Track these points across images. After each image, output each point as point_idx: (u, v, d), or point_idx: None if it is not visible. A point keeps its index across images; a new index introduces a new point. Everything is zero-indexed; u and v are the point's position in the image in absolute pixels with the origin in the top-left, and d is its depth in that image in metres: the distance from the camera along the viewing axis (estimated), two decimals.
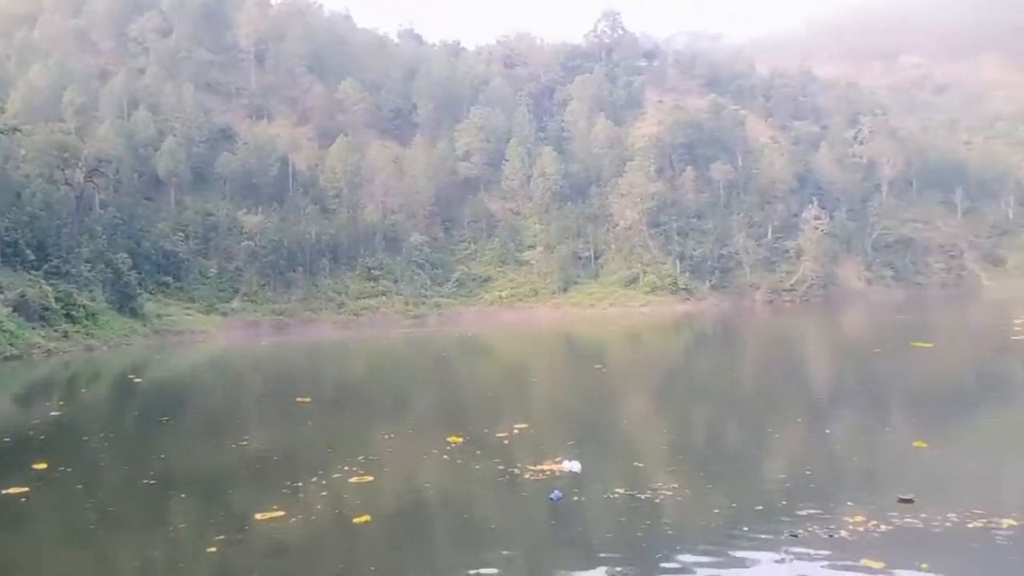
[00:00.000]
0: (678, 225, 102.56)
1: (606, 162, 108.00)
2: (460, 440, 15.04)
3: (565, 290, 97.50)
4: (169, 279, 75.07)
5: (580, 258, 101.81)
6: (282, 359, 46.27)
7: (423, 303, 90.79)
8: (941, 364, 28.43)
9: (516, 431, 16.00)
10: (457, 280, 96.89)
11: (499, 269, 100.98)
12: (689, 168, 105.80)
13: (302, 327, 74.23)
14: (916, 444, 13.39)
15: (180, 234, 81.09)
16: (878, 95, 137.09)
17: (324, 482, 12.29)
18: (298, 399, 22.28)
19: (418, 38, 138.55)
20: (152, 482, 13.16)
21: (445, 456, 13.94)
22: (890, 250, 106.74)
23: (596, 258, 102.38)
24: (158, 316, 64.83)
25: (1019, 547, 8.00)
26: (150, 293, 68.46)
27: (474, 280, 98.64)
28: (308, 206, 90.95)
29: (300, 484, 12.28)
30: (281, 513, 10.56)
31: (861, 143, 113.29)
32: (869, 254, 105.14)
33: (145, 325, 60.70)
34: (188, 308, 72.53)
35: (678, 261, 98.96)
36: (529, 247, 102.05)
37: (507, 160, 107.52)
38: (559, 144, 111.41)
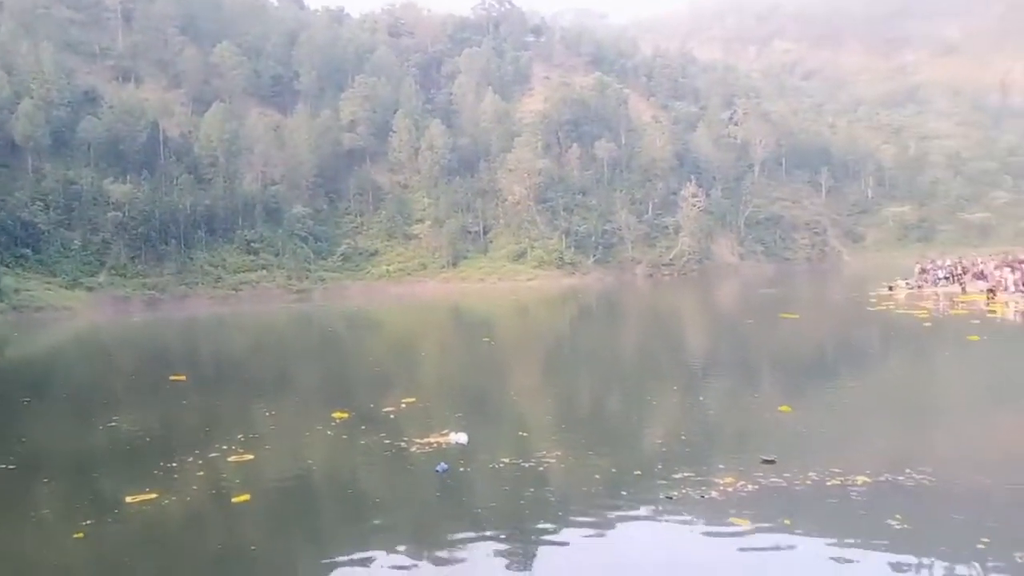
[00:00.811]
0: (564, 201, 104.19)
1: (494, 137, 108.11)
2: (346, 416, 14.82)
3: (454, 264, 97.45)
4: (28, 252, 69.69)
5: (469, 232, 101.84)
6: (155, 336, 44.07)
7: (307, 277, 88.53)
8: (806, 334, 30.34)
9: (403, 405, 15.93)
10: (343, 254, 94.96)
11: (386, 243, 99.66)
12: (575, 145, 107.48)
13: (176, 303, 70.85)
14: (781, 409, 14.26)
15: (39, 203, 75.11)
16: (752, 78, 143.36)
17: (200, 462, 11.84)
18: (172, 377, 21.30)
19: (299, 2, 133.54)
20: (12, 467, 12.29)
21: (330, 432, 13.71)
22: (761, 227, 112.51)
23: (485, 233, 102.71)
24: (16, 291, 60.31)
25: (871, 502, 8.67)
26: (7, 267, 63.52)
27: (360, 254, 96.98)
28: (181, 175, 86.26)
29: (175, 465, 11.78)
30: (154, 495, 10.11)
31: (736, 124, 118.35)
32: (742, 230, 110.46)
33: (2, 301, 56.33)
34: (49, 283, 67.71)
35: (564, 236, 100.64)
36: (417, 221, 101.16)
37: (394, 132, 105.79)
38: (447, 117, 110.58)
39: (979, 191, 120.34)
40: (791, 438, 12.18)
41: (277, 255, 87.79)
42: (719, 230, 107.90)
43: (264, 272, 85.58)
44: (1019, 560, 6.90)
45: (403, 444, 12.45)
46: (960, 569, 6.95)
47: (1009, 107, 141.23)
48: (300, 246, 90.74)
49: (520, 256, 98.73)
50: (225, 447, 12.57)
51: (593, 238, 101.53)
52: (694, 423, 14.10)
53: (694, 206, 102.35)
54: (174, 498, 10.15)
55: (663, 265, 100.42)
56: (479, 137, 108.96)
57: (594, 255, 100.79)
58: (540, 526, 8.58)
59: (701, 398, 16.77)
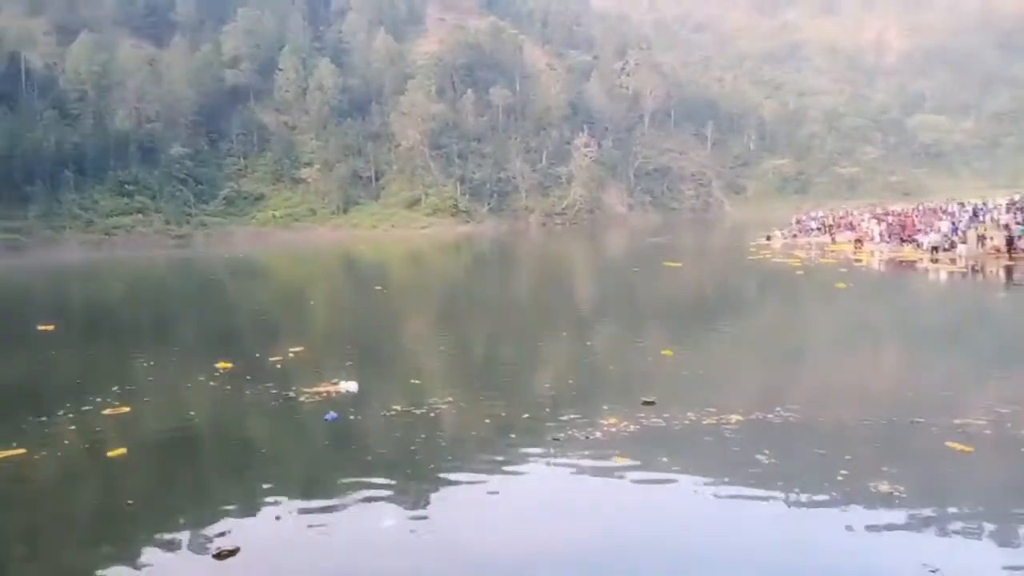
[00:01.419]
0: (459, 148, 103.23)
1: (387, 79, 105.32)
2: (230, 366, 14.38)
3: (345, 211, 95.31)
4: None
5: (361, 178, 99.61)
6: (19, 283, 41.16)
7: (187, 222, 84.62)
8: (688, 282, 31.57)
9: (291, 355, 15.60)
10: (225, 198, 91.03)
11: (273, 187, 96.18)
12: (470, 91, 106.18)
13: (43, 248, 66.30)
14: (664, 353, 14.85)
15: None
16: (644, 29, 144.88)
17: (72, 416, 11.24)
18: (40, 326, 20.01)
19: None
20: None
21: (213, 383, 13.28)
22: (650, 177, 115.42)
23: (377, 178, 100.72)
24: None
25: (743, 439, 9.20)
26: None
27: (245, 198, 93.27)
28: (46, 110, 79.92)
29: (45, 419, 11.13)
30: (22, 451, 9.55)
31: (628, 75, 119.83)
32: (632, 181, 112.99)
33: None
34: None
35: (459, 184, 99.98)
36: (306, 164, 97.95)
37: (280, 70, 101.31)
38: (337, 56, 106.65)
39: (851, 146, 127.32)
40: (672, 380, 12.73)
41: (154, 198, 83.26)
42: (610, 180, 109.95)
43: (140, 216, 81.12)
44: (872, 489, 7.51)
45: (291, 394, 12.22)
46: (821, 498, 7.51)
47: (881, 67, 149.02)
48: (179, 189, 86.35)
49: (414, 203, 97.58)
50: (99, 400, 11.97)
51: (488, 186, 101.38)
52: (582, 367, 14.50)
53: (586, 156, 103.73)
54: (44, 454, 9.62)
55: (556, 214, 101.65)
56: (371, 78, 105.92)
57: (488, 203, 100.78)
58: (432, 471, 8.66)
59: (589, 343, 17.25)
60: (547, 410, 11.01)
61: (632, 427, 9.76)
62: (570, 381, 13.19)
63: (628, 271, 37.22)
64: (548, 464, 8.76)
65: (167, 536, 7.30)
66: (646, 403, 10.75)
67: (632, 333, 18.58)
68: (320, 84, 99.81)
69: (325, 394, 12.05)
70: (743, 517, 7.30)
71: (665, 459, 8.66)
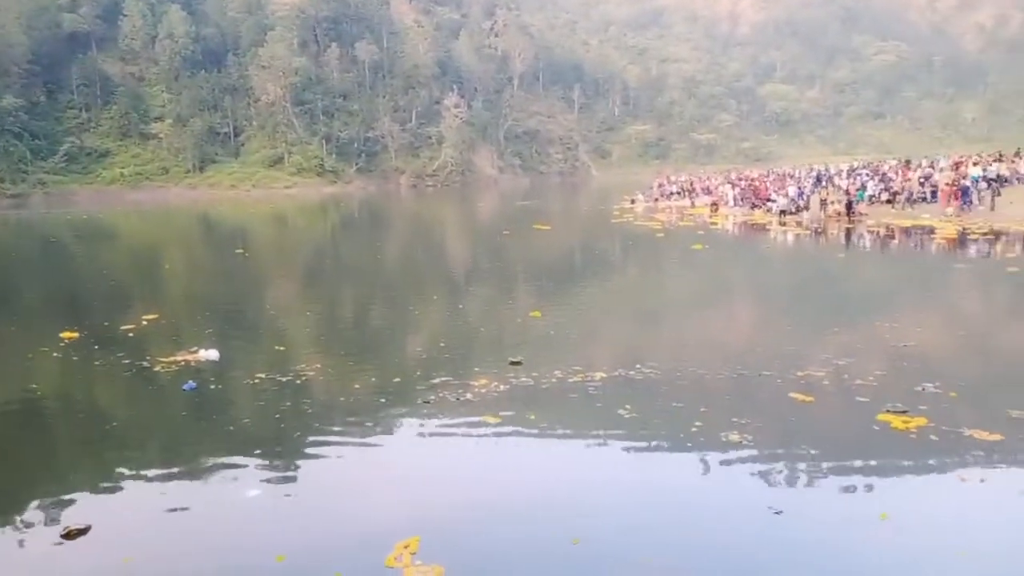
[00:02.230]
0: (324, 104, 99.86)
1: (244, 29, 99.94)
2: (75, 335, 13.42)
3: (201, 169, 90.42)
4: None
5: (218, 134, 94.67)
6: None
7: (23, 180, 77.65)
8: (556, 244, 32.23)
9: (145, 323, 14.75)
10: (66, 154, 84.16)
11: (119, 143, 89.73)
12: (334, 45, 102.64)
13: None
14: (533, 314, 15.14)
15: None
16: None
17: None
18: None
19: None
20: None
21: (57, 354, 12.36)
22: (519, 140, 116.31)
23: (236, 135, 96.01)
24: None
25: (606, 395, 9.57)
26: None
27: (88, 155, 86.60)
28: None
29: None
30: None
31: (497, 35, 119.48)
32: (501, 143, 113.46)
33: None
34: None
35: (324, 142, 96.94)
36: (156, 119, 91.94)
37: (125, 16, 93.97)
38: (188, 3, 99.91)
39: (708, 113, 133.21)
40: (541, 340, 13.01)
41: None
42: (480, 142, 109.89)
43: None
44: (724, 438, 8.02)
45: (145, 364, 11.57)
46: (677, 447, 7.94)
47: (736, 36, 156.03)
48: (13, 144, 78.99)
49: (276, 162, 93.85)
50: None
51: (356, 145, 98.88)
52: (452, 330, 14.55)
53: (456, 117, 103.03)
54: None
55: (427, 175, 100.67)
56: (226, 28, 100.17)
57: (357, 163, 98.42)
58: (298, 439, 8.47)
59: (460, 306, 17.32)
60: (418, 373, 10.99)
61: (502, 387, 9.92)
62: (441, 344, 13.21)
63: (499, 233, 37.52)
64: (419, 427, 8.78)
65: (8, 515, 6.79)
66: (513, 363, 10.95)
67: (502, 295, 18.81)
68: (170, 32, 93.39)
69: (183, 363, 11.49)
70: (606, 467, 7.62)
71: (533, 416, 8.88)
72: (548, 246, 31.25)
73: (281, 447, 8.27)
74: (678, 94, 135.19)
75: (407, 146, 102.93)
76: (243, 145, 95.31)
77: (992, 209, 30.86)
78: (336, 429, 8.78)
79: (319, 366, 11.41)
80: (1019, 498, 6.75)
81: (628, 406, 9.05)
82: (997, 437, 7.80)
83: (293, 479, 7.47)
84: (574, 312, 16.10)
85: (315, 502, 6.97)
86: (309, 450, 8.18)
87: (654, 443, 8.09)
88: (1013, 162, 38.01)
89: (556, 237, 34.68)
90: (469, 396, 9.61)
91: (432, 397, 9.66)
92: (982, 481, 7.02)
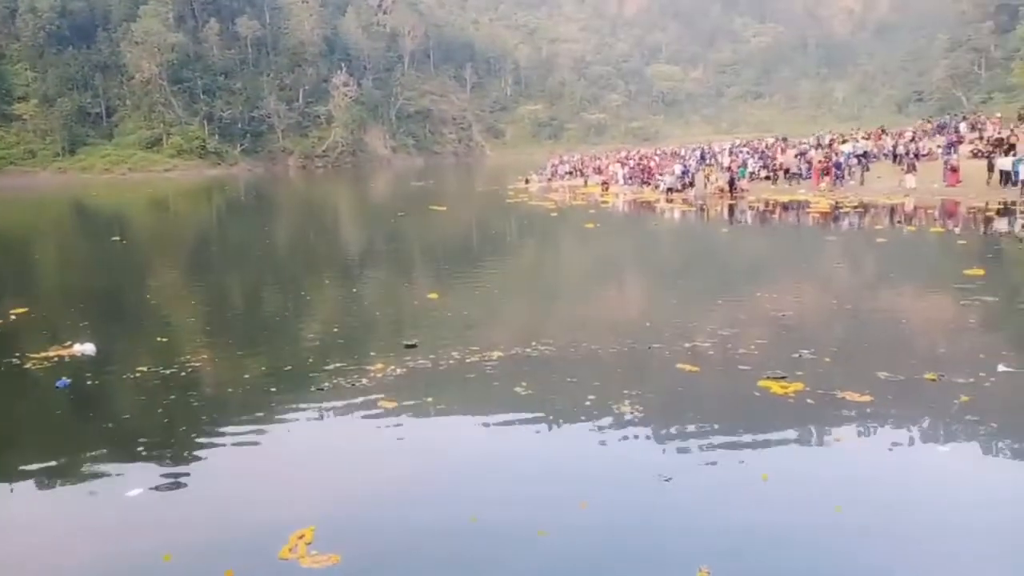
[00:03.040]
0: (204, 83, 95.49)
1: (115, 3, 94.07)
2: None
3: (72, 152, 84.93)
4: None
5: (88, 115, 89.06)
6: None
7: None
8: (452, 225, 32.14)
9: (13, 316, 13.78)
10: None
11: None
12: (213, 20, 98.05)
13: None
14: (430, 296, 15.06)
15: None
16: None
17: None
18: None
19: None
20: None
21: None
22: (412, 120, 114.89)
23: (109, 115, 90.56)
24: None
25: (503, 374, 9.64)
26: None
27: None
28: None
29: None
30: None
31: (385, 12, 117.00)
32: (394, 123, 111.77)
33: None
34: None
35: (206, 123, 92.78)
36: (20, 99, 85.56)
37: None
38: None
39: (598, 93, 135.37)
40: (438, 322, 12.95)
41: None
42: (371, 122, 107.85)
43: None
44: (616, 410, 8.24)
45: (14, 360, 10.81)
46: (572, 421, 8.09)
47: (623, 17, 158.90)
48: None
49: (154, 143, 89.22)
50: None
51: (240, 125, 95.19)
52: (347, 315, 14.28)
53: (346, 95, 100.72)
54: None
55: (316, 156, 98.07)
56: (96, 2, 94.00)
57: (241, 144, 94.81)
58: (184, 433, 8.13)
59: (355, 290, 17.02)
60: (311, 360, 10.74)
61: (399, 370, 9.83)
62: (335, 329, 12.95)
63: (393, 215, 37.05)
64: (313, 415, 8.59)
65: None
66: (408, 346, 10.87)
67: (398, 277, 18.62)
68: (32, 7, 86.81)
69: (56, 359, 10.80)
70: (503, 446, 7.70)
71: (431, 398, 8.85)
72: (444, 227, 31.12)
73: (165, 443, 7.91)
74: (568, 74, 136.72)
75: (295, 126, 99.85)
76: (117, 126, 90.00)
77: (862, 183, 32.86)
78: (225, 421, 8.48)
79: (205, 357, 10.98)
80: (888, 454, 7.25)
81: (524, 383, 9.15)
82: (867, 398, 8.35)
83: (180, 475, 7.16)
84: (471, 293, 16.11)
85: (204, 497, 6.72)
86: (196, 444, 7.86)
87: (550, 418, 8.21)
88: (879, 139, 40.57)
89: (452, 218, 34.56)
90: (365, 381, 9.47)
91: (326, 384, 9.46)
92: (855, 437, 7.51)
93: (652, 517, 6.07)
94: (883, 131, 43.38)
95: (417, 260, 22.34)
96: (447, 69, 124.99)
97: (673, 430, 7.85)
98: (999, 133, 35.84)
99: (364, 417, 8.40)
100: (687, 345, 10.63)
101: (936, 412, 8.06)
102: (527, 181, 50.82)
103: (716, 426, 7.92)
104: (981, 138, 36.45)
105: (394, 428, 8.10)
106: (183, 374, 10.12)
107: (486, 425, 8.22)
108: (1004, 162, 28.84)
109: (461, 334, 11.83)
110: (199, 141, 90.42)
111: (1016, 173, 27.58)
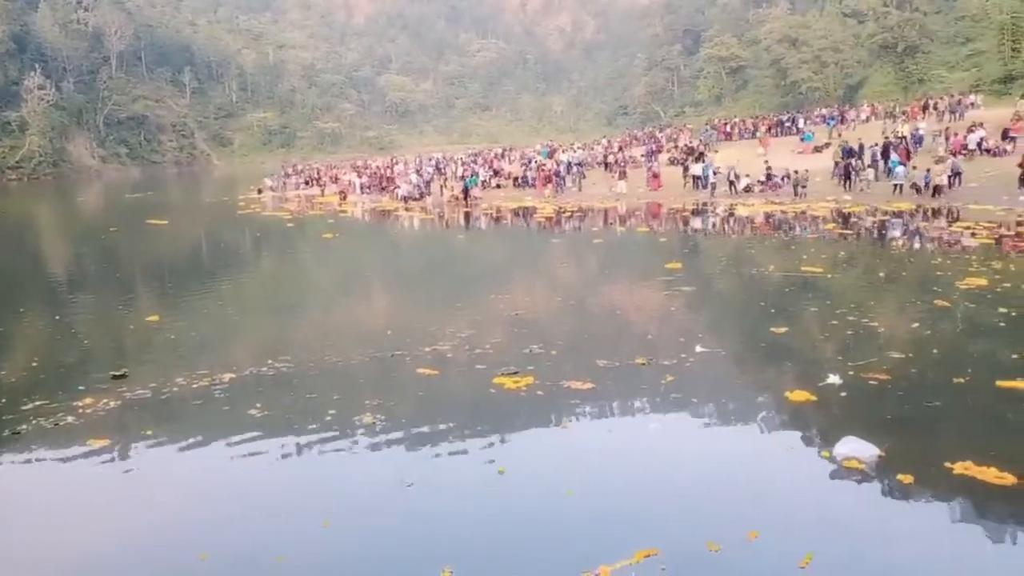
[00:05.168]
0: None
1: None
2: None
3: None
4: None
5: None
6: None
7: None
8: (176, 240, 29.76)
9: None
10: None
11: None
12: None
13: None
14: (150, 318, 13.81)
15: None
16: None
17: None
18: None
19: None
20: None
21: None
22: (123, 127, 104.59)
23: None
24: None
25: (235, 396, 9.08)
26: None
27: None
28: None
29: None
30: None
31: (87, 9, 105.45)
32: (102, 130, 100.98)
33: None
34: None
35: None
36: None
37: None
38: None
39: (331, 102, 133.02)
40: (160, 347, 11.90)
41: None
42: (75, 129, 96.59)
43: None
44: (357, 422, 8.14)
45: None
46: (311, 439, 7.84)
47: (352, 26, 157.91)
48: None
49: None
50: None
51: None
52: (48, 346, 12.60)
53: (42, 100, 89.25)
54: None
55: (10, 168, 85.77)
56: None
57: None
58: None
59: (58, 317, 15.06)
60: (3, 402, 9.33)
61: (112, 403, 8.87)
62: (34, 364, 11.36)
63: (104, 231, 33.45)
64: (8, 463, 7.47)
65: None
66: (116, 376, 9.85)
67: (112, 301, 16.79)
68: None
69: None
70: (235, 475, 7.26)
71: (149, 431, 8.10)
72: (166, 243, 28.70)
73: None
74: (299, 81, 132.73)
75: None
76: None
77: (580, 190, 35.64)
78: None
79: None
80: (608, 435, 7.91)
81: (260, 404, 8.71)
82: (589, 385, 9.05)
83: None
84: (199, 312, 15.01)
85: None
86: None
87: (287, 439, 7.88)
88: (593, 149, 44.37)
89: (175, 232, 31.98)
90: (70, 419, 8.41)
91: (23, 427, 8.27)
92: (580, 423, 8.11)
93: (395, 524, 6.07)
94: (598, 141, 47.48)
95: (134, 280, 20.35)
96: (163, 73, 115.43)
97: (415, 435, 7.92)
98: (690, 143, 40.89)
99: (67, 458, 7.46)
100: (427, 349, 10.80)
101: (647, 392, 8.96)
102: (260, 191, 48.53)
103: (455, 426, 8.12)
104: (677, 147, 41.29)
105: (105, 469, 7.29)
106: None
107: (215, 455, 7.68)
108: (696, 168, 32.92)
109: (187, 358, 10.99)
110: None
111: (706, 178, 31.59)
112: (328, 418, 8.27)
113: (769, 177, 30.46)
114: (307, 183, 52.24)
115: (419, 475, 6.88)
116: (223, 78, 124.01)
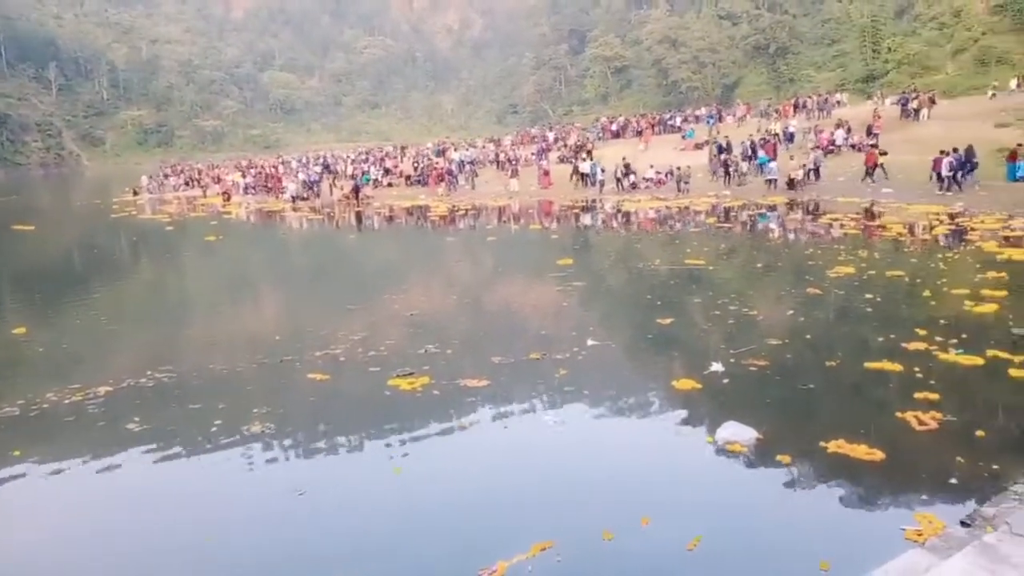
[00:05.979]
0: None
1: None
2: None
3: None
4: None
5: None
6: None
7: None
8: (43, 246, 27.86)
9: None
10: None
11: None
12: None
13: None
14: (15, 331, 12.89)
15: None
16: None
17: None
18: None
19: None
20: None
21: None
22: None
23: None
24: None
25: (111, 411, 8.57)
26: None
27: None
28: None
29: None
30: None
31: None
32: None
33: None
34: None
35: None
36: None
37: None
38: None
39: (211, 99, 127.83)
40: (27, 361, 11.13)
41: None
42: None
43: None
44: (245, 431, 7.86)
45: None
46: (195, 451, 7.51)
47: (230, 21, 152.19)
48: None
49: None
50: None
51: None
52: None
53: None
54: None
55: None
56: None
57: None
58: None
59: None
60: None
61: None
62: None
63: None
64: None
65: None
66: None
67: None
68: None
69: None
70: (113, 487, 6.88)
71: (17, 452, 7.55)
72: (32, 250, 26.80)
73: None
74: (176, 78, 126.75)
75: None
76: None
77: (473, 188, 35.71)
78: None
79: None
80: (504, 431, 7.95)
81: (138, 418, 8.27)
82: (485, 383, 9.08)
83: None
84: (70, 323, 14.09)
85: None
86: None
87: (169, 452, 7.52)
88: (485, 147, 44.54)
89: (42, 238, 29.91)
90: None
91: None
92: (477, 421, 8.11)
93: (286, 534, 5.89)
94: (491, 139, 47.67)
95: None
96: (25, 69, 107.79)
97: (306, 442, 7.73)
98: (579, 141, 41.68)
99: None
100: (318, 354, 10.55)
101: (541, 387, 9.07)
102: (135, 193, 46.10)
103: (348, 431, 7.98)
104: (566, 145, 41.99)
105: None
106: None
107: (92, 471, 7.24)
108: (584, 165, 33.58)
109: (59, 372, 10.32)
110: None
111: (594, 175, 32.29)
112: (214, 429, 7.95)
113: (657, 173, 31.47)
114: (187, 184, 50.06)
115: (311, 482, 6.72)
116: (92, 74, 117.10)
